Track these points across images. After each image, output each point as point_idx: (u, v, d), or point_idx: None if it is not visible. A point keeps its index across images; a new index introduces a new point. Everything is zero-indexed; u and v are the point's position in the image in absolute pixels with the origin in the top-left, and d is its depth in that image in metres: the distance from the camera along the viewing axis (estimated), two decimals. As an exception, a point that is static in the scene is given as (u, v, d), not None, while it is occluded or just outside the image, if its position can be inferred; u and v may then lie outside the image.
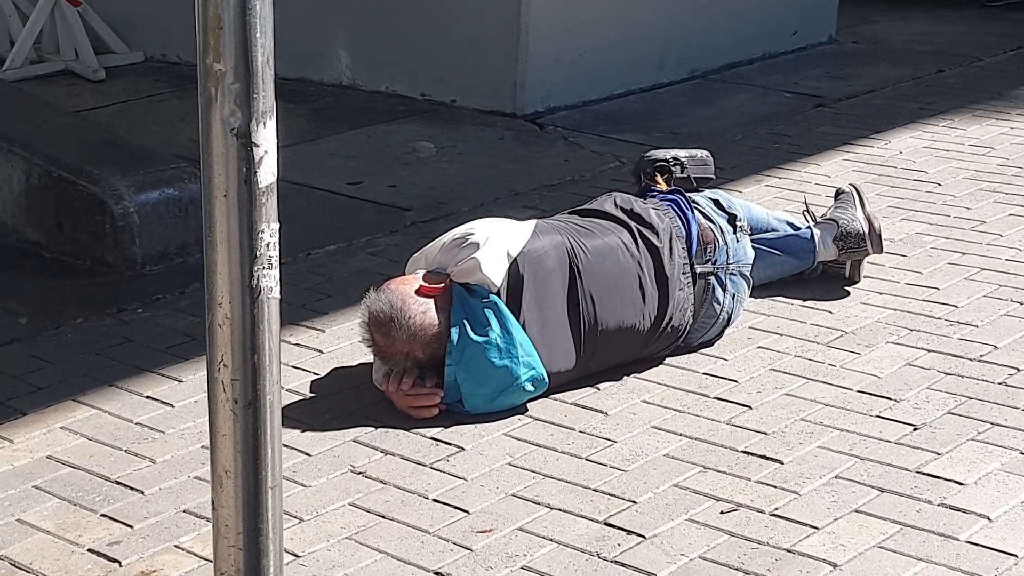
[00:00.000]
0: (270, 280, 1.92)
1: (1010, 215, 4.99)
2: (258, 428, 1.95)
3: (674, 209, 3.93)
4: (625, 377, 3.78)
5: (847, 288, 4.35)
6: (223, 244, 1.91)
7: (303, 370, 3.86)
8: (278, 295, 1.96)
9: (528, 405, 3.62)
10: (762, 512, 3.12)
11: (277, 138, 1.96)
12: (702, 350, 3.94)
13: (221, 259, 1.92)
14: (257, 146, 1.86)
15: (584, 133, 6.14)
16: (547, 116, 6.36)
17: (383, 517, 3.13)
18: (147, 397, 3.71)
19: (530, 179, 5.54)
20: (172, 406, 3.66)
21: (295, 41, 6.97)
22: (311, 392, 3.74)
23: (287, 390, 3.74)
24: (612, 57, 6.63)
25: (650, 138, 6.03)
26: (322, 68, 6.91)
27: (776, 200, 5.18)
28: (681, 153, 4.19)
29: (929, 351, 3.91)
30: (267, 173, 1.88)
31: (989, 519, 3.06)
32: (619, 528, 3.07)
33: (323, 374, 3.84)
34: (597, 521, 3.10)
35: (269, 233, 1.91)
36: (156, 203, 4.60)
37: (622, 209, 3.89)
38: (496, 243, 3.62)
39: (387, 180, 5.53)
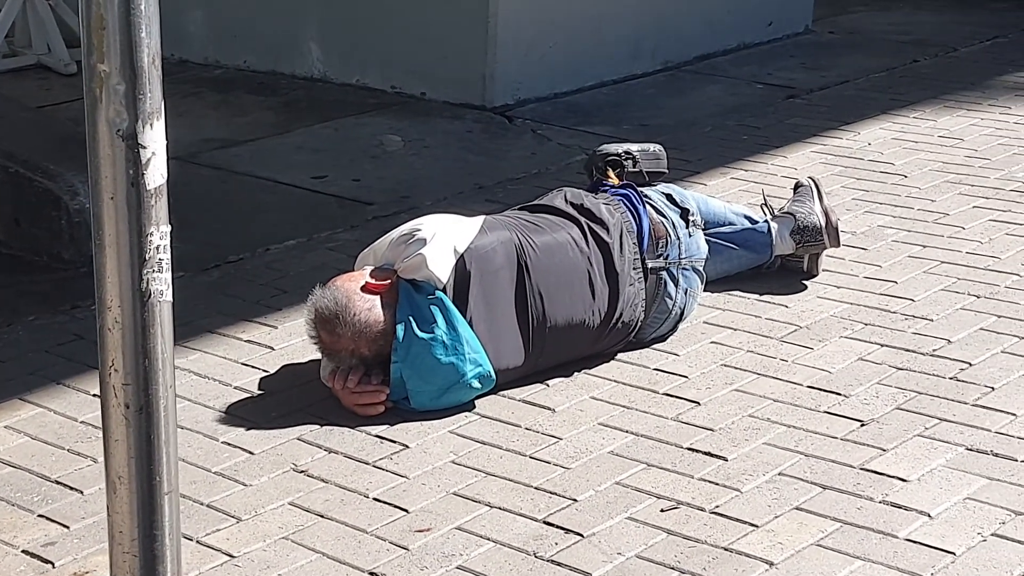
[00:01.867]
0: (161, 283, 1.89)
1: (974, 207, 4.97)
2: (151, 433, 1.93)
3: (625, 204, 3.91)
4: (575, 373, 3.76)
5: (804, 282, 4.33)
6: (111, 247, 1.89)
7: (252, 367, 3.84)
8: (170, 298, 1.94)
9: (475, 402, 3.60)
10: (702, 510, 3.10)
11: (167, 139, 1.93)
12: (654, 345, 3.92)
13: (110, 263, 1.90)
14: (144, 148, 1.84)
15: (553, 126, 6.11)
16: (517, 108, 6.34)
17: (322, 516, 3.12)
18: (94, 395, 3.68)
19: (495, 172, 5.52)
20: (118, 404, 3.64)
21: (266, 34, 6.97)
22: (259, 390, 3.72)
23: (235, 387, 3.73)
24: (584, 49, 6.61)
25: (619, 130, 6.00)
26: (293, 61, 6.89)
27: (740, 192, 5.16)
28: (633, 147, 4.17)
29: (882, 346, 3.89)
30: (155, 175, 1.85)
31: (929, 516, 3.05)
32: (557, 527, 3.05)
33: (272, 371, 3.82)
34: (536, 520, 3.08)
35: (159, 236, 1.88)
36: (113, 199, 4.56)
37: (572, 204, 3.87)
38: (443, 239, 3.60)
39: (352, 174, 5.50)
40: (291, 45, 6.88)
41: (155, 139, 1.83)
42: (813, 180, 4.45)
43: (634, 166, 4.12)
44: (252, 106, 6.46)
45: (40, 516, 3.12)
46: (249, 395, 3.70)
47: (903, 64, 7.10)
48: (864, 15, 8.30)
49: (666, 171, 4.23)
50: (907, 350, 3.86)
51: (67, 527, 3.08)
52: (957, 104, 6.31)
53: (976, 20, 8.08)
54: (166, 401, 1.94)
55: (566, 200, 3.89)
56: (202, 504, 3.17)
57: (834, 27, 7.91)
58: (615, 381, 3.73)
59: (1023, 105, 6.26)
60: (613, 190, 4.00)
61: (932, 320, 4.04)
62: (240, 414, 3.58)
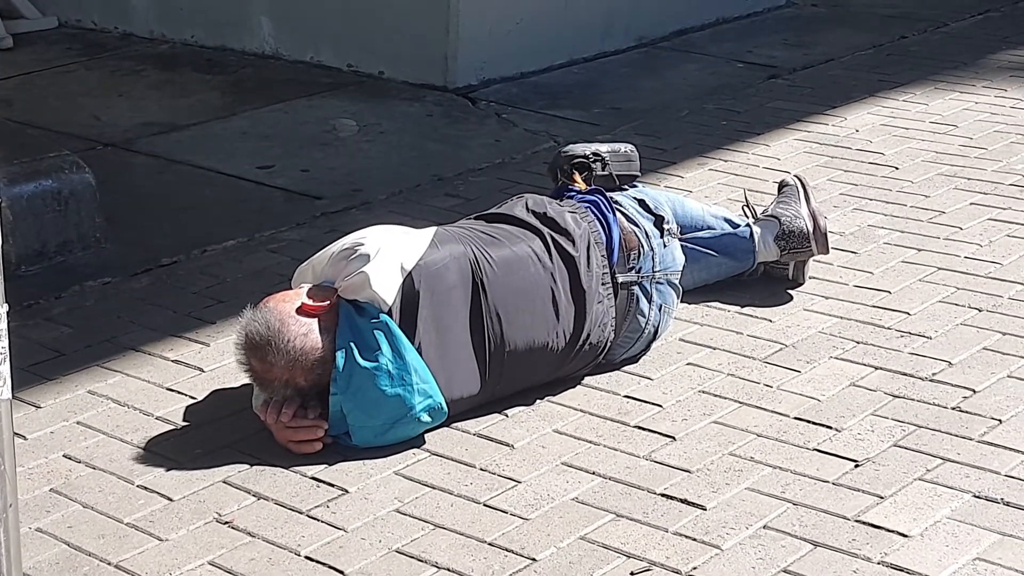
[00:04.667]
0: (-4, 380, 1.50)
1: (971, 204, 4.59)
2: (-14, 567, 1.54)
3: (593, 212, 3.53)
4: (537, 401, 3.38)
5: (790, 291, 3.96)
6: (-71, 337, 1.49)
7: (178, 393, 3.46)
8: (8, 395, 1.54)
9: (426, 436, 3.22)
10: (678, 573, 2.73)
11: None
12: (626, 367, 3.54)
13: (-72, 356, 1.50)
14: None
15: (519, 109, 5.71)
16: (481, 89, 5.93)
17: (245, 580, 2.74)
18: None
19: (456, 162, 5.11)
20: (24, 438, 3.25)
21: (214, 6, 6.54)
22: (184, 420, 3.33)
23: (156, 418, 3.34)
24: (552, 25, 6.19)
25: (589, 114, 5.62)
26: (242, 36, 6.45)
27: (719, 186, 4.78)
28: (603, 148, 3.77)
29: (876, 368, 3.52)
30: (-14, 243, 1.46)
31: (935, 582, 2.69)
32: (513, 594, 2.69)
33: (200, 398, 3.44)
34: (489, 585, 2.71)
35: (-8, 320, 1.49)
36: (32, 196, 4.17)
37: (534, 213, 3.48)
38: (388, 255, 3.21)
39: (301, 163, 5.10)
40: (241, 19, 6.45)
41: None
42: (799, 179, 4.07)
43: (603, 169, 3.72)
44: (197, 85, 6.03)
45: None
46: (172, 427, 3.31)
47: (890, 41, 6.70)
48: (848, -14, 7.89)
49: (638, 174, 3.83)
50: (904, 374, 3.49)
51: (-47, 594, 2.69)
52: (949, 86, 5.92)
53: (966, -8, 7.66)
54: (5, 525, 1.54)
55: (527, 208, 3.50)
56: (110, 564, 2.79)
57: (816, -1, 7.51)
58: (581, 411, 3.35)
59: (1019, 87, 5.88)
60: (580, 196, 3.61)
61: (930, 338, 3.67)
62: (160, 451, 3.20)
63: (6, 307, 1.50)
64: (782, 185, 4.10)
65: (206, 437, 3.26)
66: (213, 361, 3.61)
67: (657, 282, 3.55)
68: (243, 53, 6.43)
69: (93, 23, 6.92)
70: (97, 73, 6.22)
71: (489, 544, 2.83)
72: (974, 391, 3.39)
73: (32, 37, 6.81)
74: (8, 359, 1.51)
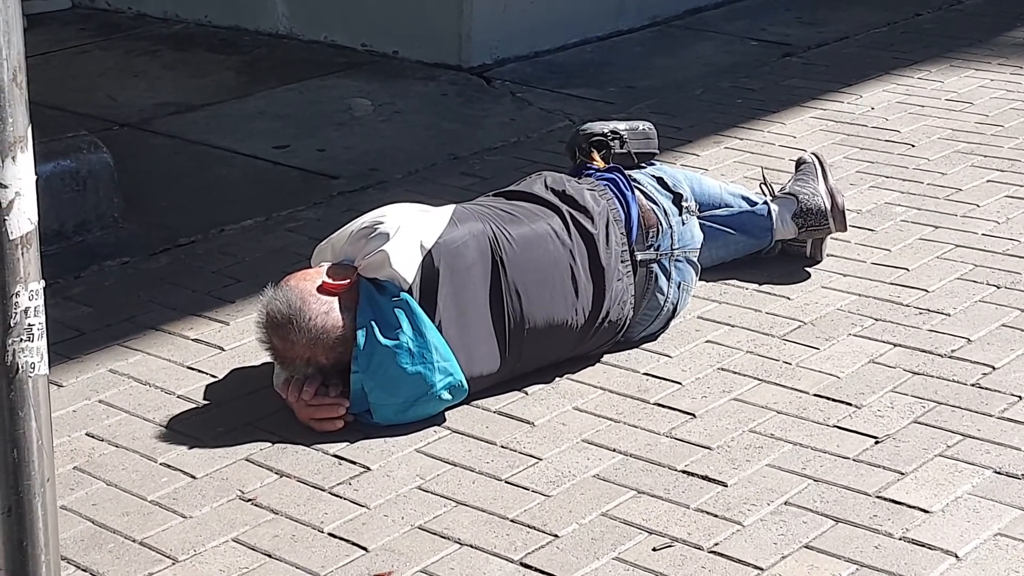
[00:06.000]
0: (32, 354, 1.51)
1: (988, 181, 4.58)
2: (23, 540, 1.54)
3: (612, 190, 3.53)
4: (557, 379, 3.39)
5: (807, 269, 3.96)
6: (-33, 313, 1.50)
7: (199, 372, 3.47)
8: (45, 371, 1.55)
9: (446, 414, 3.23)
10: (700, 548, 2.74)
11: (35, 176, 1.53)
12: (644, 345, 3.55)
13: (-34, 331, 1.51)
14: (5, 187, 1.45)
15: (534, 88, 5.70)
16: (495, 69, 5.92)
17: (270, 556, 2.75)
18: None
19: (472, 141, 5.12)
20: (47, 417, 3.26)
21: (228, -13, 6.54)
22: (205, 399, 3.35)
23: (178, 396, 3.35)
24: (566, 3, 6.19)
25: (604, 93, 5.61)
26: (257, 16, 6.45)
27: (735, 164, 4.78)
28: (621, 126, 3.77)
29: (895, 345, 3.52)
30: (21, 220, 1.48)
31: (957, 557, 2.69)
32: (536, 569, 2.69)
33: (221, 376, 3.45)
34: (512, 561, 2.72)
35: (28, 296, 1.50)
36: (50, 176, 4.17)
37: (553, 191, 3.48)
38: (408, 233, 3.22)
39: (316, 143, 5.10)
40: (255, -1, 6.46)
41: (20, 175, 1.45)
42: (817, 156, 4.07)
43: (621, 147, 3.72)
44: (212, 66, 6.04)
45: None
46: (194, 405, 3.32)
47: (904, 18, 6.68)
48: (862, -36, 7.87)
49: (656, 151, 3.83)
50: (923, 351, 3.49)
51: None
52: (964, 63, 5.90)
53: (979, -30, 7.64)
54: (43, 499, 1.55)
55: (546, 186, 3.50)
56: (134, 541, 2.80)
57: (831, -23, 7.48)
58: (601, 388, 3.36)
59: (1034, 64, 5.87)
60: (598, 174, 3.61)
61: (949, 315, 3.67)
62: (183, 429, 3.21)
63: (42, 283, 1.51)
64: (799, 163, 4.09)
65: (228, 415, 3.27)
66: (233, 340, 3.62)
67: (676, 260, 3.55)
68: (257, 33, 6.44)
69: (107, 4, 6.92)
70: (112, 54, 6.23)
71: (511, 521, 2.85)
72: (993, 368, 3.40)
73: (46, 18, 6.82)
74: (44, 335, 1.53)
